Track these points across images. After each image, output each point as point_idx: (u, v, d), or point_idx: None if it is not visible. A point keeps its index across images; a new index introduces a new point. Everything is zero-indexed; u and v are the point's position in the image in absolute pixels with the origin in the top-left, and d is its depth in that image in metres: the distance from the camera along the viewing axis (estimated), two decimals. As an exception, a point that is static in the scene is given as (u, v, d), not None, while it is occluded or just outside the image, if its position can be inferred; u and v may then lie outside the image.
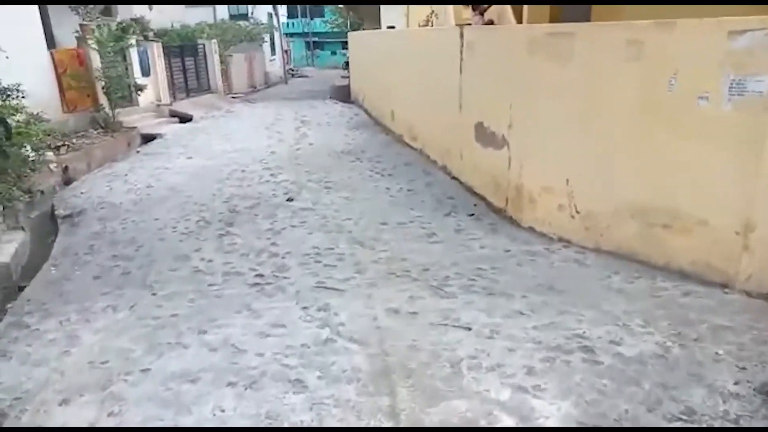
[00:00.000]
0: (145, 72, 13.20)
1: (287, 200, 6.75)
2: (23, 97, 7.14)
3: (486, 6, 9.52)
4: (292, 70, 33.85)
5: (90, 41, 10.70)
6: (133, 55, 12.56)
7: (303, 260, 4.89)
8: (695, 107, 3.90)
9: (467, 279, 4.32)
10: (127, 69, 12.43)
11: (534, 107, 5.22)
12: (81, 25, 10.75)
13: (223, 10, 27.65)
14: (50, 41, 11.75)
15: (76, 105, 10.71)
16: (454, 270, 4.51)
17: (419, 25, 13.40)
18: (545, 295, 3.97)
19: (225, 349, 3.49)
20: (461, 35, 6.68)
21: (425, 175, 7.63)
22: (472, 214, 5.93)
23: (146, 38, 13.37)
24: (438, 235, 5.37)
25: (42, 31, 10.01)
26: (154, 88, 13.58)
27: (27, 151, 7.20)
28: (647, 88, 4.20)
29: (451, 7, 9.48)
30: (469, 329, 3.53)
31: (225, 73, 20.42)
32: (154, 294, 4.40)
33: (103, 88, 10.94)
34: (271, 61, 30.06)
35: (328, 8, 40.61)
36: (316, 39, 46.54)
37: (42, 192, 7.35)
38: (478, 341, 3.40)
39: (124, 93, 11.21)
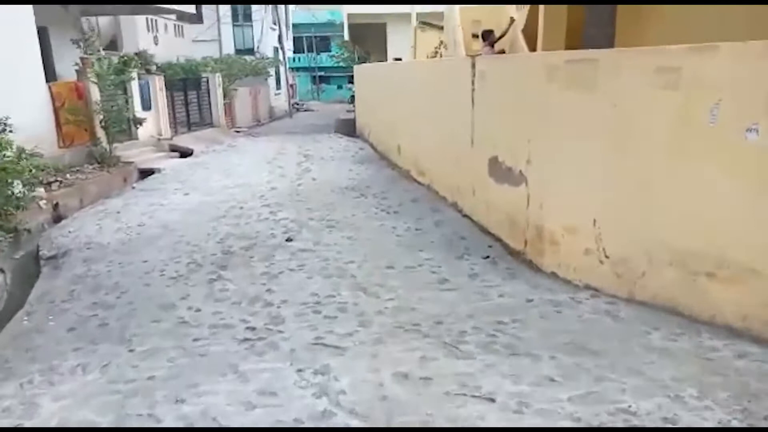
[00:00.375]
0: (146, 105, 12.97)
1: (286, 240, 6.29)
2: (11, 131, 6.80)
3: (496, 37, 9.24)
4: (297, 104, 33.94)
5: (90, 74, 10.47)
6: (134, 88, 12.35)
7: (300, 310, 4.39)
8: (742, 141, 3.45)
9: (486, 335, 3.80)
10: (127, 102, 12.19)
11: (555, 140, 4.79)
12: (82, 59, 10.54)
13: (229, 46, 27.90)
14: (51, 74, 11.60)
15: (72, 139, 10.41)
16: (471, 323, 3.99)
17: (427, 57, 13.21)
18: (577, 356, 3.44)
19: (204, 422, 2.96)
20: (473, 65, 6.32)
21: (434, 213, 7.16)
22: (488, 257, 5.43)
23: (148, 71, 13.20)
24: (450, 281, 4.86)
25: (41, 63, 9.78)
26: (154, 121, 13.34)
27: (14, 188, 6.82)
28: (685, 120, 3.76)
29: (460, 38, 9.22)
30: (493, 401, 3.00)
31: (229, 107, 20.31)
32: (131, 350, 3.90)
33: (101, 122, 10.66)
34: (276, 95, 30.14)
35: (334, 43, 41.02)
36: (322, 73, 46.96)
37: (29, 231, 6.94)
38: (504, 416, 2.86)
39: (123, 127, 10.93)
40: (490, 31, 9.76)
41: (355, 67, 16.97)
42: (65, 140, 10.25)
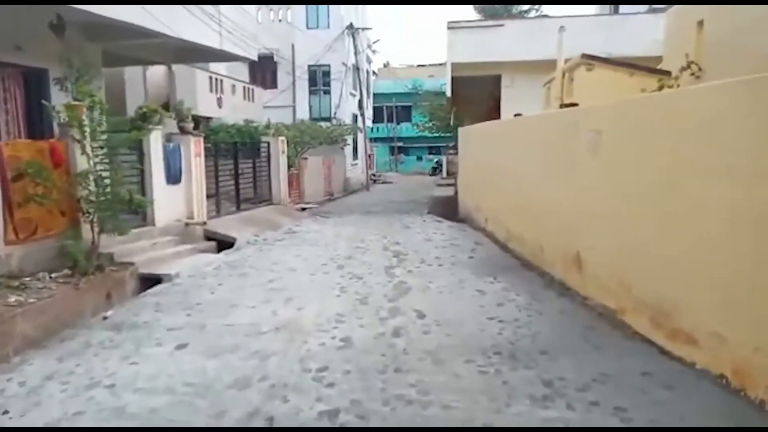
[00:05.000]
0: (174, 177, 9.15)
1: None
2: None
3: None
4: (374, 176, 30.40)
5: (73, 130, 6.70)
6: (155, 153, 8.57)
7: None
8: None
9: None
10: (143, 173, 8.41)
11: None
12: (67, 106, 6.82)
13: (304, 112, 24.96)
14: (45, 130, 8.09)
15: (33, 230, 6.53)
16: None
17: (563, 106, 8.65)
18: None
19: None
20: None
21: None
22: None
23: (183, 131, 9.49)
24: None
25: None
26: (184, 199, 9.46)
27: None
28: None
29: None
30: None
31: (296, 179, 16.57)
32: None
33: (83, 200, 6.75)
34: (353, 165, 26.62)
35: (416, 112, 37.94)
36: (400, 144, 43.86)
37: None
38: None
39: (117, 209, 6.92)
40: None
41: (460, 129, 12.73)
42: (20, 231, 6.36)
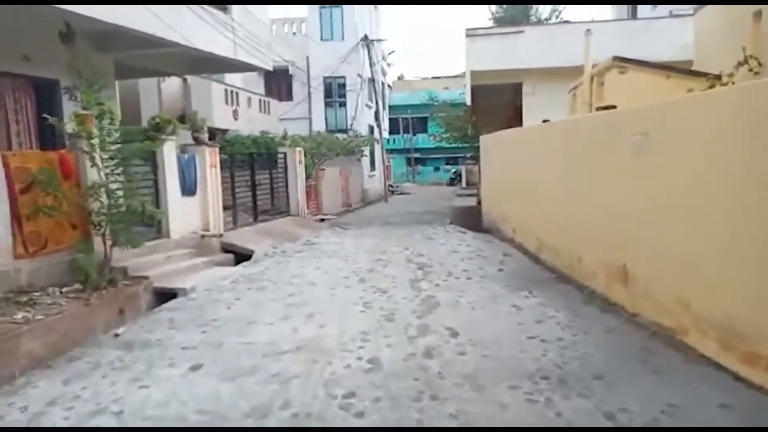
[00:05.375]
0: (189, 189, 8.87)
1: None
2: None
3: None
4: (392, 187, 30.03)
5: (82, 141, 6.43)
6: (169, 164, 8.30)
7: None
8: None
9: None
10: (156, 184, 8.15)
11: None
12: (76, 115, 6.57)
13: (320, 124, 24.74)
14: (57, 142, 7.85)
15: (44, 244, 6.25)
16: None
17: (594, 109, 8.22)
18: None
19: None
20: None
21: None
22: None
23: (198, 141, 9.22)
24: None
25: None
26: (200, 211, 9.17)
27: None
28: None
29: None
30: None
31: (314, 190, 16.28)
32: None
33: (96, 213, 6.47)
34: (370, 176, 26.30)
35: (432, 123, 37.65)
36: (417, 155, 43.50)
37: None
38: None
39: (130, 221, 6.62)
40: None
41: (482, 138, 12.32)
42: (29, 245, 6.08)
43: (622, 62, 7.70)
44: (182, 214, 8.62)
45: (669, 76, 7.49)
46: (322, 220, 14.95)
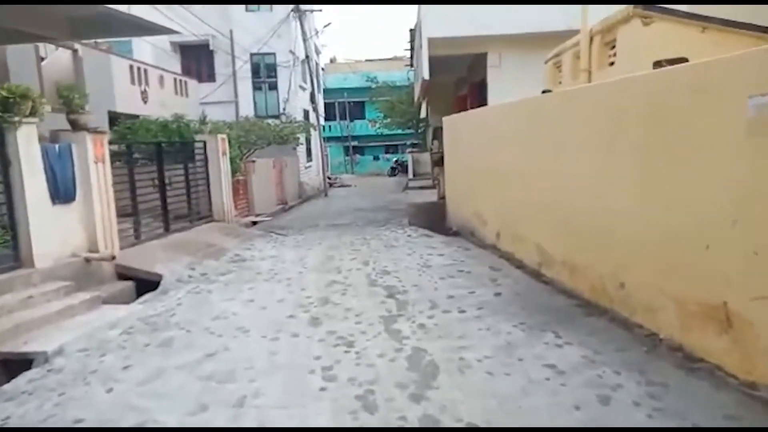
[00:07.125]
0: (64, 194, 6.39)
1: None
2: None
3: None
4: (330, 179, 27.78)
5: None
6: (28, 158, 5.77)
7: None
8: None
9: None
10: (9, 188, 5.64)
11: None
12: None
13: (248, 109, 21.98)
14: None
15: None
16: None
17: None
18: None
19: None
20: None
21: None
22: None
23: (75, 126, 6.70)
24: None
25: None
26: (82, 223, 6.69)
27: None
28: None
29: None
30: None
31: (243, 186, 13.85)
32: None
33: None
34: (306, 168, 23.92)
35: (371, 107, 35.58)
36: (355, 143, 41.33)
37: None
38: None
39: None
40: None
41: (445, 119, 10.40)
42: None
43: (647, 11, 5.96)
44: (54, 231, 6.14)
45: (704, 29, 5.83)
46: (254, 223, 12.63)
